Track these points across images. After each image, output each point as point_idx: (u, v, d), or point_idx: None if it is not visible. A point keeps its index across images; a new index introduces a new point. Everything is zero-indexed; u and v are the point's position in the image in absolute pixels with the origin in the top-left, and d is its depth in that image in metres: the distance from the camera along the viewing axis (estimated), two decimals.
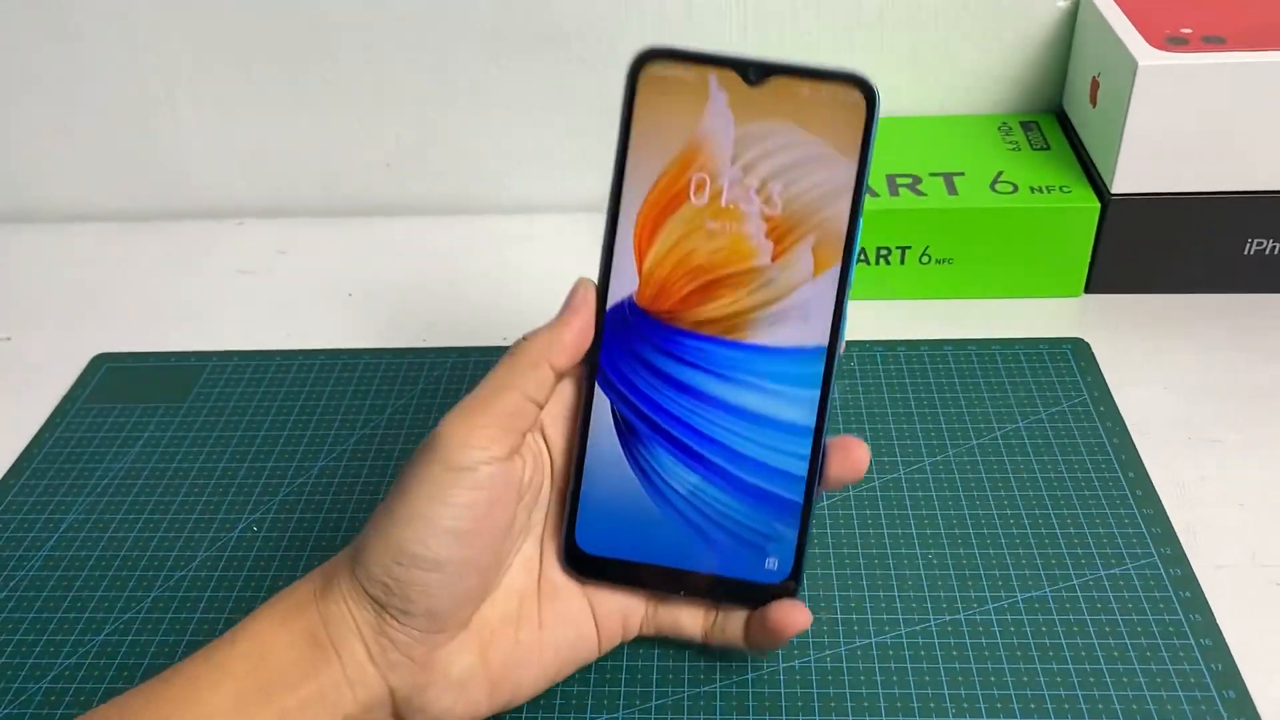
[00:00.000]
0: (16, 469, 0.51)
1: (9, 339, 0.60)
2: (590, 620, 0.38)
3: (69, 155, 0.69)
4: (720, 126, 0.35)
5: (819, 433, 0.36)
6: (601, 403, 0.37)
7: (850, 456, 0.37)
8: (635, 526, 0.37)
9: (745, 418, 0.37)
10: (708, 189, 0.35)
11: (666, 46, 0.35)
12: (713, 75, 0.35)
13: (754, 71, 0.35)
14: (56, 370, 0.57)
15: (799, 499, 0.37)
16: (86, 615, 0.44)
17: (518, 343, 0.36)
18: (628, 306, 0.37)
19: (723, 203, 0.35)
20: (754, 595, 0.37)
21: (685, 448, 0.37)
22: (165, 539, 0.47)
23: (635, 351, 0.37)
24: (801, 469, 0.37)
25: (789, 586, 0.37)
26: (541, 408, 0.36)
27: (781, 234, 0.35)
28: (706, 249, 0.36)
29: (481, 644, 0.35)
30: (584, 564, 0.38)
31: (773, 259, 0.36)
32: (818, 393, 0.36)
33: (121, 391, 0.55)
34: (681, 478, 0.37)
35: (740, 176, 0.35)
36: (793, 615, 0.36)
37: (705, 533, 0.37)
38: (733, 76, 0.35)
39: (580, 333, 0.36)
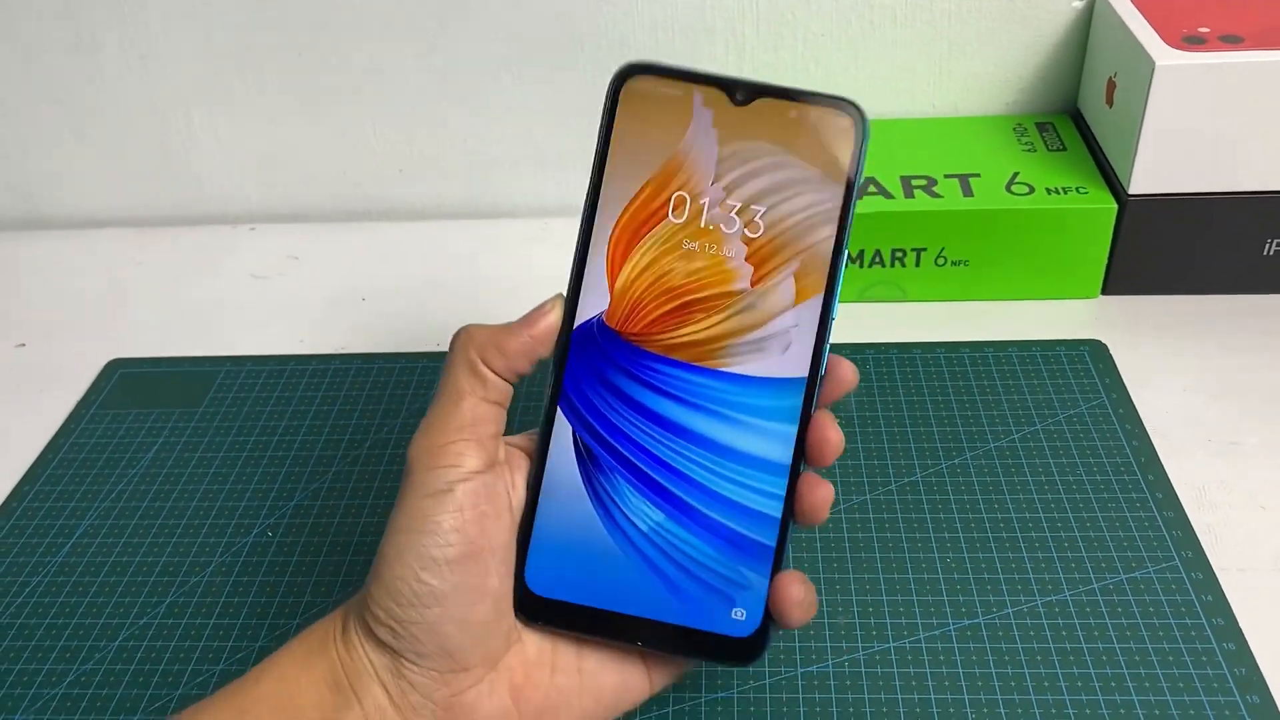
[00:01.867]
0: (32, 475, 0.51)
1: (24, 345, 0.60)
2: (639, 662, 0.34)
3: (84, 163, 0.69)
4: (704, 145, 0.34)
5: (795, 473, 0.34)
6: (562, 428, 0.34)
7: (814, 494, 0.33)
8: (592, 567, 0.34)
9: (716, 451, 0.34)
10: (688, 208, 0.34)
11: (650, 62, 0.34)
12: (698, 93, 0.34)
13: (741, 92, 0.34)
14: (71, 376, 0.57)
15: (771, 543, 0.34)
16: (102, 621, 0.44)
17: (456, 334, 0.34)
18: (596, 326, 0.34)
19: (702, 223, 0.34)
20: (718, 650, 0.34)
21: (650, 481, 0.34)
22: (180, 544, 0.47)
23: (601, 374, 0.34)
24: (775, 510, 0.34)
25: (757, 642, 0.34)
26: (504, 406, 0.34)
27: (763, 259, 0.34)
28: (683, 270, 0.34)
29: (514, 687, 0.33)
30: (533, 607, 0.34)
31: (752, 284, 0.34)
32: (794, 429, 0.34)
33: (136, 397, 0.55)
34: (645, 514, 0.34)
35: (722, 197, 0.34)
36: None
37: (668, 577, 0.34)
38: (719, 95, 0.34)
39: (526, 344, 0.33)
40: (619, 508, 0.34)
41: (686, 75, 0.34)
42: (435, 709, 0.32)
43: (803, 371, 0.34)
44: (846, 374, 0.35)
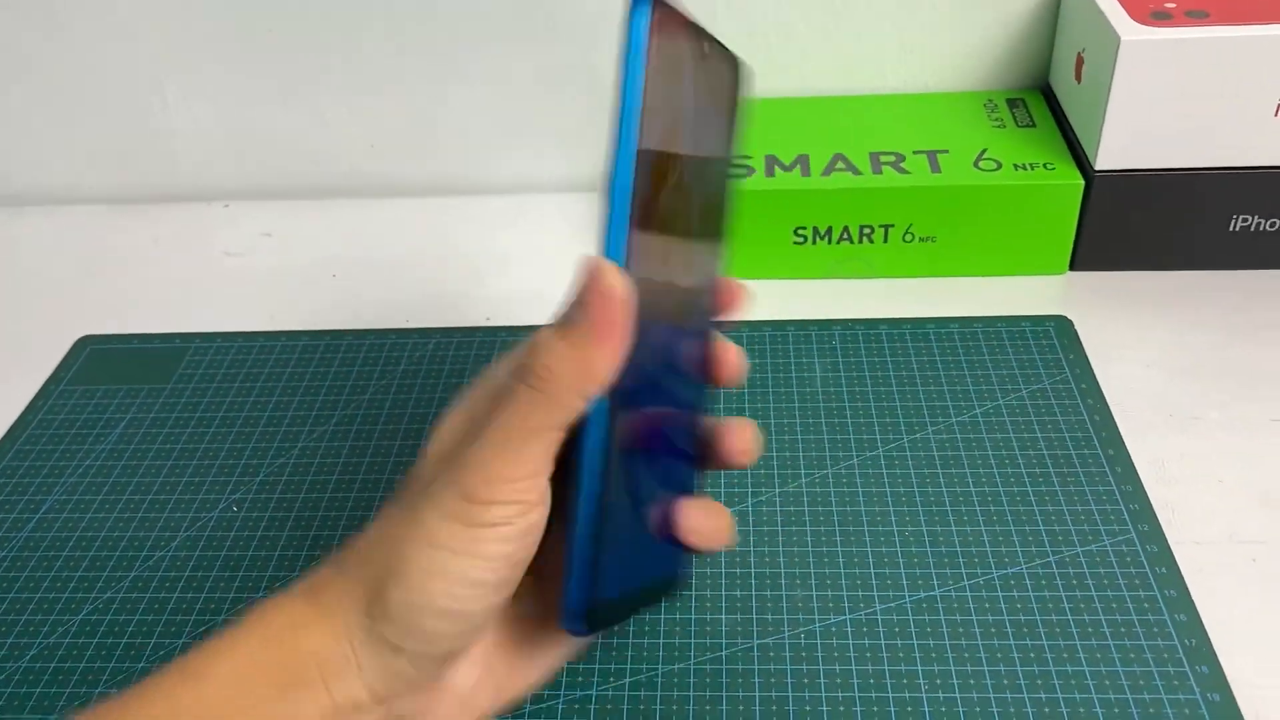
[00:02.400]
0: None
1: None
2: None
3: (56, 139, 0.69)
4: (689, 99, 0.31)
5: (701, 405, 0.35)
6: (605, 419, 0.30)
7: (739, 436, 0.35)
8: (626, 551, 0.32)
9: (676, 403, 0.34)
10: (679, 169, 0.31)
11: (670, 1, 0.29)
12: (688, 42, 0.31)
13: (709, 46, 0.32)
14: (41, 352, 0.57)
15: (695, 480, 0.35)
16: (66, 595, 0.44)
17: (539, 368, 0.30)
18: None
19: (683, 183, 0.31)
20: (665, 589, 0.35)
21: (652, 454, 0.33)
22: (146, 519, 0.47)
23: (634, 358, 0.30)
24: (692, 447, 0.35)
25: (689, 572, 0.35)
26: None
27: (704, 221, 0.34)
28: (675, 238, 0.32)
29: (485, 654, 0.33)
30: (595, 615, 0.31)
31: (702, 249, 0.34)
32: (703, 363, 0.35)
33: (105, 373, 0.55)
34: (650, 488, 0.33)
35: (694, 159, 0.32)
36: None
37: (658, 539, 0.33)
38: (699, 48, 0.31)
39: (615, 353, 0.30)
40: (638, 488, 0.32)
41: (690, 22, 0.31)
42: (415, 694, 0.31)
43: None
44: (734, 358, 0.36)
